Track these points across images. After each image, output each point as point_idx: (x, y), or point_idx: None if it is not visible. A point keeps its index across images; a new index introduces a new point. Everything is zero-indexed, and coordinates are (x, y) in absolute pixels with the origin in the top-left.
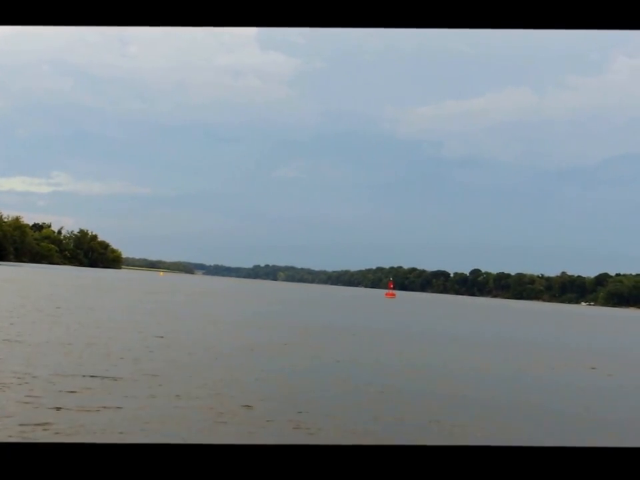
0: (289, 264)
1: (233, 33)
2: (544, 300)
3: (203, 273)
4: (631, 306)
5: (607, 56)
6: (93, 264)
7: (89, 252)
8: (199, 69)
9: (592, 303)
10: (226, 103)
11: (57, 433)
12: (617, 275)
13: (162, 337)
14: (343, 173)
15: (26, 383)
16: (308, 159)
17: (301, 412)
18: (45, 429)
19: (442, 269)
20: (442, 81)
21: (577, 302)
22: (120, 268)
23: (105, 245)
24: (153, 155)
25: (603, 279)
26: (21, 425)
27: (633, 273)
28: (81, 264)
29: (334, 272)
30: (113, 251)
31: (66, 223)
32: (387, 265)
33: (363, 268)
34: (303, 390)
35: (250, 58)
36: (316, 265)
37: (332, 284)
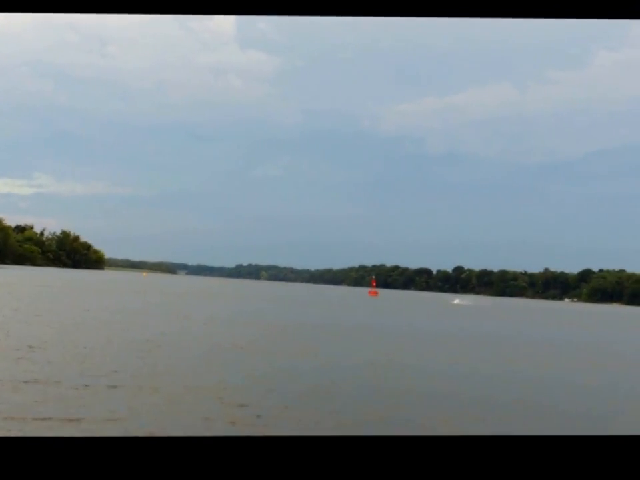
0: (272, 263)
1: (211, 31)
2: (527, 296)
3: (186, 273)
4: (614, 302)
5: (587, 50)
6: (75, 265)
7: (71, 253)
8: (179, 69)
9: (575, 299)
10: (207, 102)
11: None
12: (600, 270)
13: (148, 338)
14: (324, 171)
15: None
16: (290, 158)
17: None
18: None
19: (425, 266)
20: (422, 77)
21: (561, 298)
22: (103, 269)
23: (87, 246)
24: (134, 155)
25: (586, 274)
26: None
27: (616, 269)
28: (64, 265)
29: (317, 270)
30: (96, 251)
31: (48, 225)
32: (369, 263)
33: (345, 266)
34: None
35: (230, 57)
36: (299, 264)
37: (315, 282)
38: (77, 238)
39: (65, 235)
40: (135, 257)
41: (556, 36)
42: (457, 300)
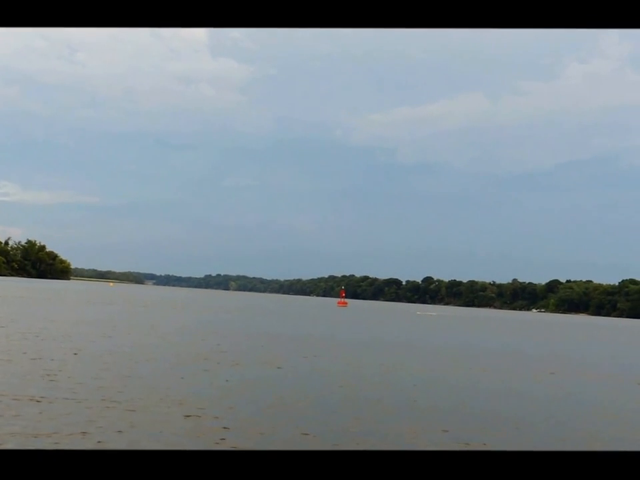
0: (241, 273)
1: (183, 38)
2: (495, 307)
3: (154, 283)
4: (581, 312)
5: (558, 61)
6: (41, 275)
7: (36, 263)
8: (148, 76)
9: (543, 310)
10: (177, 110)
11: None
12: (568, 281)
13: (113, 349)
14: (296, 180)
15: None
16: (261, 167)
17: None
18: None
19: (394, 276)
20: (395, 87)
21: (528, 309)
22: (69, 279)
23: (53, 256)
24: (102, 163)
25: (553, 285)
26: None
27: (583, 280)
28: (29, 275)
29: (286, 281)
30: (62, 261)
31: (13, 234)
32: (339, 274)
33: (315, 277)
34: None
35: (201, 64)
36: (268, 274)
37: (284, 293)
38: (42, 247)
39: (31, 244)
40: (103, 267)
41: (528, 47)
42: (419, 311)
